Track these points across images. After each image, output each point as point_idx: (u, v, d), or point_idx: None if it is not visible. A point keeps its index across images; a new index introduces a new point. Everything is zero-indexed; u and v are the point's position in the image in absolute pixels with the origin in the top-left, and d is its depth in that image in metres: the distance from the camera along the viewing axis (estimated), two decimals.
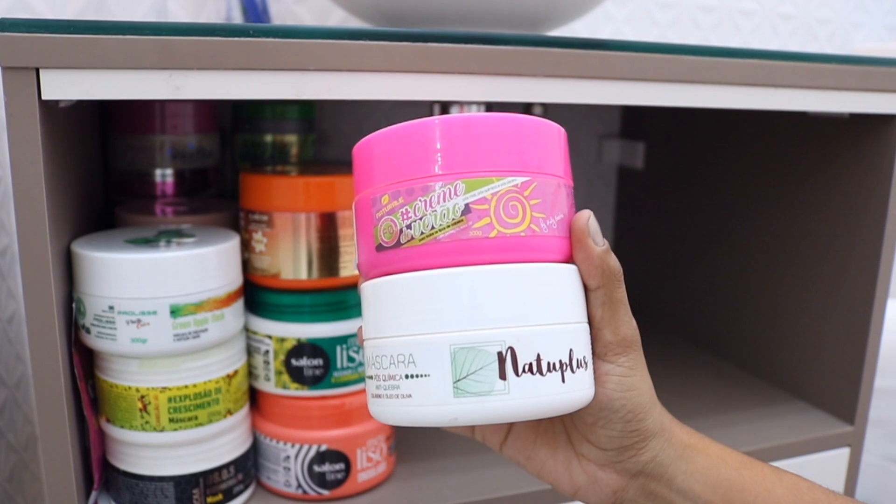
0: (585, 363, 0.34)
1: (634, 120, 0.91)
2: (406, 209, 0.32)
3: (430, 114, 0.64)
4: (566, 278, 0.34)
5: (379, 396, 0.34)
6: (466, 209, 0.32)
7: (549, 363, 0.32)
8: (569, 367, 0.32)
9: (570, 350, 0.33)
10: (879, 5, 1.06)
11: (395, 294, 0.33)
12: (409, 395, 0.32)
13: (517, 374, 0.31)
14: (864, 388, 0.62)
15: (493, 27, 0.54)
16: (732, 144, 0.75)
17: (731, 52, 0.49)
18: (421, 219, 0.32)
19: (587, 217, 0.34)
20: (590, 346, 0.35)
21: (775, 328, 0.71)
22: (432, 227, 0.32)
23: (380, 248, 0.33)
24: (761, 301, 0.72)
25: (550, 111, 0.88)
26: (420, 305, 0.32)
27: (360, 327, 0.37)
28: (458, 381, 0.31)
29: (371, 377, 0.34)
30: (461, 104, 0.63)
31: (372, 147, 0.34)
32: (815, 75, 0.51)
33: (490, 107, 0.64)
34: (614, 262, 0.34)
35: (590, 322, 0.35)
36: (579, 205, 1.03)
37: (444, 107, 0.63)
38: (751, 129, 0.72)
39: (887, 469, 0.90)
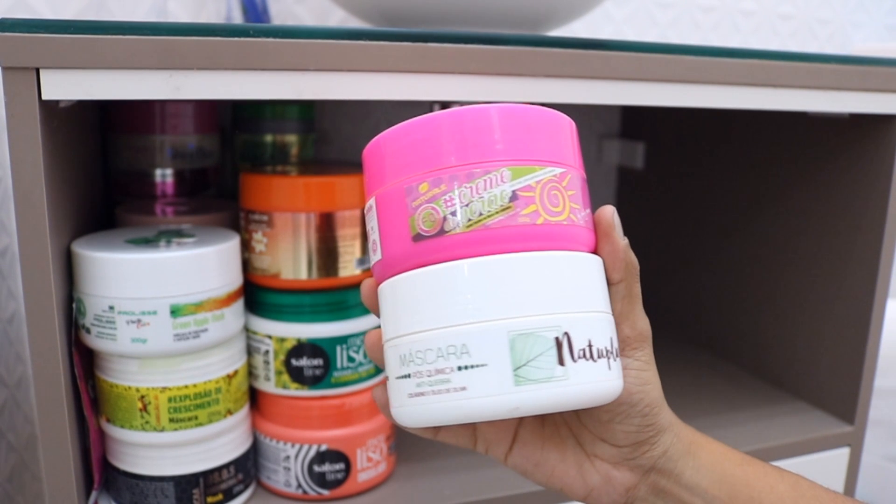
0: (618, 354, 0.34)
1: (634, 120, 0.92)
2: (450, 196, 0.31)
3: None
4: (599, 269, 0.34)
5: (422, 394, 0.32)
6: (514, 196, 0.31)
7: (598, 349, 0.31)
8: (612, 355, 0.32)
9: (611, 339, 0.33)
10: (879, 5, 1.06)
11: (442, 283, 0.31)
12: (464, 388, 0.31)
13: (574, 360, 0.31)
14: (864, 388, 0.62)
15: (493, 27, 0.54)
16: (732, 144, 0.75)
17: (731, 52, 0.49)
18: (468, 205, 0.31)
19: (612, 211, 0.34)
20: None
21: (775, 328, 0.71)
22: (480, 214, 0.31)
23: (418, 237, 0.32)
24: (761, 301, 0.72)
25: None
26: (475, 293, 0.31)
27: (370, 332, 0.36)
28: (518, 368, 0.30)
29: (408, 376, 0.32)
30: (461, 104, 0.63)
31: (401, 138, 0.33)
32: (815, 75, 0.51)
33: None
34: (633, 257, 0.35)
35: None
36: None
37: (444, 107, 0.63)
38: (751, 129, 0.72)
39: (887, 469, 0.91)
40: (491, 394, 0.30)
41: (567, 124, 0.34)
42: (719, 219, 0.77)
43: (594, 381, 0.31)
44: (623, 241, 0.34)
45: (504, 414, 0.31)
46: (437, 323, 0.31)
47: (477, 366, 0.30)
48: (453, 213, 0.31)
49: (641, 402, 0.35)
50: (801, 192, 0.67)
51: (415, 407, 0.32)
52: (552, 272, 0.31)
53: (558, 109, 0.35)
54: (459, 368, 0.31)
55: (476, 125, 0.32)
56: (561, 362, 0.30)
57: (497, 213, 0.31)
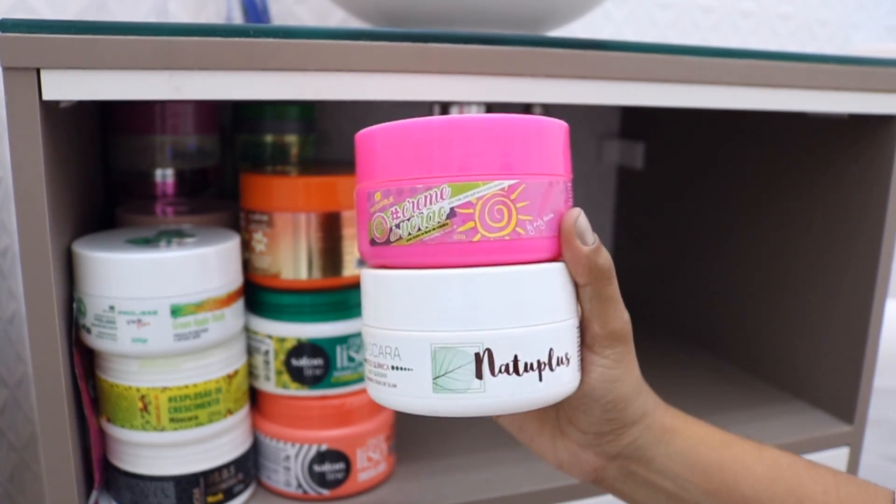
0: (567, 359, 0.35)
1: (634, 120, 0.92)
2: (395, 209, 0.33)
3: (430, 114, 0.64)
4: (551, 278, 0.34)
5: (371, 380, 0.36)
6: (451, 213, 0.32)
7: (526, 363, 0.33)
8: (547, 367, 0.33)
9: (550, 350, 0.34)
10: (879, 6, 1.06)
11: (386, 288, 0.34)
12: (395, 385, 0.34)
13: (493, 375, 0.32)
14: (864, 388, 0.62)
15: (493, 27, 0.54)
16: (732, 145, 0.75)
17: (731, 52, 0.49)
18: (409, 220, 0.33)
19: (575, 217, 0.34)
20: (576, 340, 0.36)
21: (775, 328, 0.71)
22: (418, 229, 0.33)
23: (373, 242, 0.35)
24: (761, 301, 0.72)
25: (550, 111, 0.88)
26: (406, 303, 0.33)
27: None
28: (437, 377, 0.33)
29: (366, 360, 0.36)
30: (461, 104, 0.63)
31: (369, 140, 0.35)
32: (814, 76, 0.51)
33: (490, 107, 0.64)
34: (604, 259, 0.35)
35: (582, 315, 0.36)
36: (580, 205, 1.02)
37: (444, 107, 0.63)
38: (750, 129, 0.72)
39: (887, 469, 0.91)
40: (414, 395, 0.33)
41: (537, 128, 0.34)
42: (719, 219, 0.77)
43: (514, 395, 0.33)
44: (586, 247, 0.34)
45: (425, 413, 0.34)
46: (381, 323, 0.35)
47: (405, 368, 0.33)
48: (397, 226, 0.33)
49: (604, 398, 0.36)
50: (800, 192, 0.67)
51: (370, 388, 0.36)
52: (481, 289, 0.33)
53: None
54: (392, 368, 0.34)
55: (425, 138, 0.33)
56: (479, 376, 0.32)
57: (434, 229, 0.33)
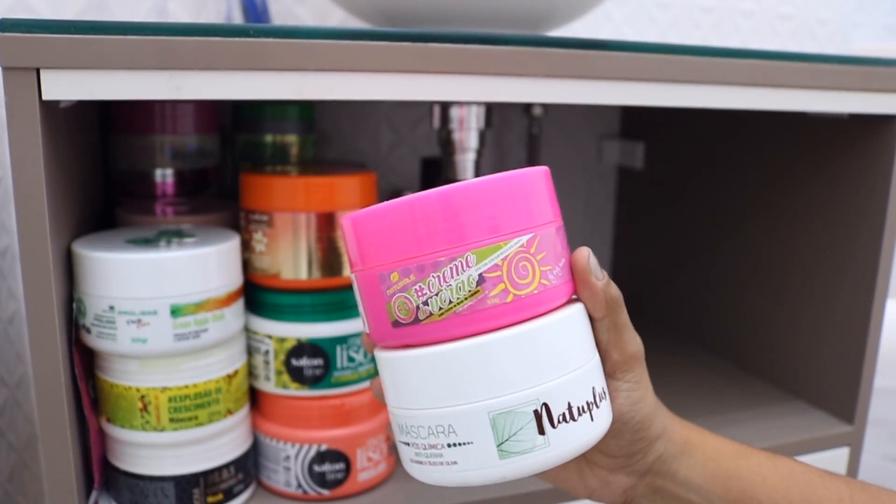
0: (605, 393, 0.36)
1: (634, 120, 0.92)
2: (420, 286, 0.32)
3: (430, 113, 0.64)
4: (577, 318, 0.35)
5: (420, 463, 0.34)
6: (481, 279, 0.32)
7: (578, 408, 0.33)
8: (594, 405, 0.34)
9: (593, 388, 0.34)
10: (879, 5, 1.06)
11: (423, 369, 0.33)
12: (455, 462, 0.33)
13: (554, 427, 0.32)
14: (864, 388, 0.62)
15: (493, 27, 0.54)
16: (732, 144, 0.75)
17: (731, 52, 0.49)
18: (437, 294, 0.32)
19: (587, 256, 0.35)
20: (603, 374, 0.36)
21: (775, 328, 0.71)
22: (450, 302, 0.32)
23: (396, 324, 0.33)
24: (761, 301, 0.72)
25: (550, 111, 0.88)
26: (452, 378, 0.32)
27: (364, 334, 0.37)
28: (502, 443, 0.32)
29: (408, 444, 0.35)
30: (461, 104, 0.63)
31: (370, 223, 0.33)
32: (814, 75, 0.51)
33: (490, 107, 0.64)
34: (615, 291, 0.36)
35: (597, 345, 0.36)
36: (580, 205, 1.02)
37: (444, 107, 0.63)
38: (751, 129, 0.72)
39: (887, 469, 0.91)
40: (479, 468, 0.33)
41: (532, 179, 0.34)
42: (719, 218, 0.77)
43: (576, 440, 0.33)
44: (600, 283, 0.35)
45: (494, 482, 0.33)
46: (425, 404, 0.33)
47: (464, 444, 0.32)
48: (425, 303, 0.32)
49: (633, 420, 0.37)
50: (800, 191, 0.67)
51: (416, 470, 0.35)
52: (524, 348, 0.32)
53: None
54: (449, 445, 0.33)
55: (438, 211, 0.32)
56: (541, 432, 0.32)
57: (466, 299, 0.32)
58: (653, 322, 0.89)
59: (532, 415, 0.32)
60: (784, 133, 0.68)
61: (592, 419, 0.34)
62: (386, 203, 0.33)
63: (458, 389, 0.32)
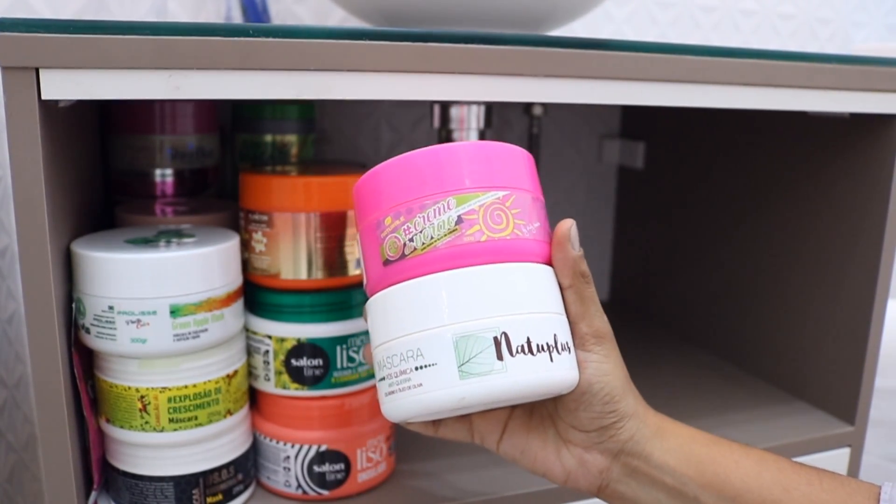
0: (568, 348, 0.38)
1: (634, 120, 0.91)
2: (408, 226, 0.37)
3: (431, 113, 0.64)
4: (546, 276, 0.39)
5: (392, 393, 0.38)
6: (459, 220, 0.37)
7: (538, 345, 0.36)
8: (555, 349, 0.37)
9: (555, 335, 0.37)
10: (880, 5, 1.06)
11: (402, 299, 0.37)
12: (420, 384, 0.36)
13: (512, 355, 0.36)
14: (865, 389, 0.62)
15: (493, 27, 0.54)
16: (732, 144, 0.74)
17: (731, 52, 0.49)
18: (421, 231, 0.37)
19: (570, 224, 0.39)
20: (570, 337, 0.39)
21: (775, 328, 0.71)
22: (431, 237, 0.37)
23: (387, 262, 0.38)
24: (761, 301, 0.72)
25: (550, 111, 0.88)
26: (425, 304, 0.37)
27: (367, 345, 0.42)
28: (462, 364, 0.35)
29: (383, 379, 0.38)
30: (461, 104, 0.63)
31: (370, 181, 0.40)
32: (815, 75, 0.51)
33: (490, 107, 0.64)
34: (586, 267, 0.39)
35: (568, 318, 0.40)
36: (581, 205, 1.02)
37: (444, 107, 0.63)
38: (751, 129, 0.72)
39: (887, 469, 0.91)
40: (441, 387, 0.36)
41: (514, 153, 0.40)
42: (719, 219, 0.77)
43: (533, 372, 0.36)
44: (574, 252, 0.39)
45: (454, 405, 0.36)
46: (400, 332, 0.37)
47: (429, 365, 0.36)
48: (411, 240, 0.37)
49: (602, 391, 0.39)
50: (801, 191, 0.67)
51: (390, 404, 0.38)
52: (491, 281, 0.37)
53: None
54: (416, 368, 0.36)
55: (427, 164, 0.38)
56: (500, 357, 0.36)
57: (445, 235, 0.37)
58: (653, 322, 0.89)
59: (492, 340, 0.35)
60: (785, 133, 0.68)
61: (552, 360, 0.36)
62: (390, 160, 0.39)
63: (427, 315, 0.36)
